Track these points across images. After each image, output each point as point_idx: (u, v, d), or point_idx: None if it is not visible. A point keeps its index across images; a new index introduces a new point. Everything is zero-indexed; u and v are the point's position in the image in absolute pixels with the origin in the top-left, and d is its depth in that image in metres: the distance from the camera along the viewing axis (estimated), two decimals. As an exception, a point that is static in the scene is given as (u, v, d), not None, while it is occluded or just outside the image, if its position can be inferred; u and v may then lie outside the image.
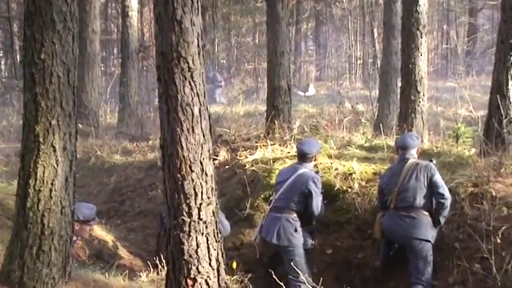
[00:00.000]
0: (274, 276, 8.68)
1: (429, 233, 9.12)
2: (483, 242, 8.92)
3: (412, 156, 9.63)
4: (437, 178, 9.24)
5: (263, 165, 12.15)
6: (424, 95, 14.15)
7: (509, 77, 11.26)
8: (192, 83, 6.44)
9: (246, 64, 40.53)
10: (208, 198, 6.61)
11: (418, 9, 13.95)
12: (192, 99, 6.47)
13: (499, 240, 9.01)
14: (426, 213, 9.17)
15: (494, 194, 9.72)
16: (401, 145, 9.81)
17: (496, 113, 11.24)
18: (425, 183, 9.18)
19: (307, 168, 9.83)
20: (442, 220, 9.23)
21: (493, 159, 10.64)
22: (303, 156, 9.95)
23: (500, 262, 8.77)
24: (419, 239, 9.03)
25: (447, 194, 9.17)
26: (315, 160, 10.16)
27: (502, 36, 11.45)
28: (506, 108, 11.16)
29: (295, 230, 9.55)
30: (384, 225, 9.44)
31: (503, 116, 11.04)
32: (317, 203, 9.63)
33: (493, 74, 11.69)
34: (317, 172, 10.04)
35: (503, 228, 9.14)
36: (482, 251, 8.91)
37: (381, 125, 15.08)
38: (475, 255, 9.19)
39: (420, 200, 9.13)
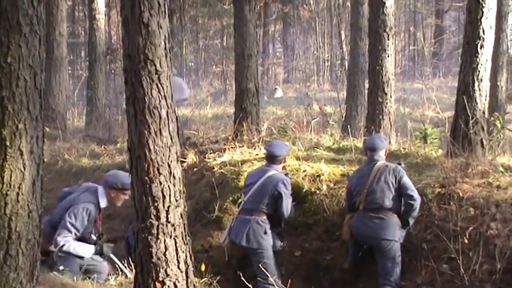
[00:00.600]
0: (243, 278, 8.69)
1: (397, 233, 9.18)
2: (451, 243, 9.01)
3: (381, 157, 9.69)
4: (406, 180, 9.32)
5: (231, 168, 12.14)
6: (391, 97, 14.20)
7: (475, 78, 11.34)
8: (159, 85, 6.42)
9: (214, 66, 40.51)
10: (176, 200, 6.59)
11: (384, 11, 14.00)
12: (160, 101, 6.45)
13: (466, 241, 9.11)
14: (395, 214, 9.23)
15: (461, 194, 9.81)
16: (369, 146, 9.87)
17: (462, 114, 11.32)
18: (394, 185, 9.25)
19: (276, 171, 9.84)
20: (411, 221, 9.30)
21: (460, 160, 10.73)
22: (272, 158, 9.97)
23: (467, 262, 8.86)
24: (388, 240, 9.08)
25: (416, 196, 9.24)
26: (284, 162, 10.17)
27: (468, 37, 11.55)
28: (472, 109, 11.24)
29: (265, 232, 9.56)
30: (352, 226, 9.47)
31: (470, 117, 11.11)
32: (287, 205, 9.65)
33: (459, 75, 11.78)
34: (286, 174, 10.04)
35: (471, 228, 9.23)
36: (449, 251, 9.02)
37: (348, 126, 15.13)
38: (443, 256, 9.28)
39: (389, 202, 9.19)
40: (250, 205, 9.70)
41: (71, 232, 8.86)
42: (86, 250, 9.12)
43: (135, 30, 6.40)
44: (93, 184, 9.66)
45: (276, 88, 33.20)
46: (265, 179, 9.72)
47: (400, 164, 9.67)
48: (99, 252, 9.32)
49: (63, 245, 8.85)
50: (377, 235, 9.09)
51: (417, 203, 9.23)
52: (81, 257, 9.06)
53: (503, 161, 11.17)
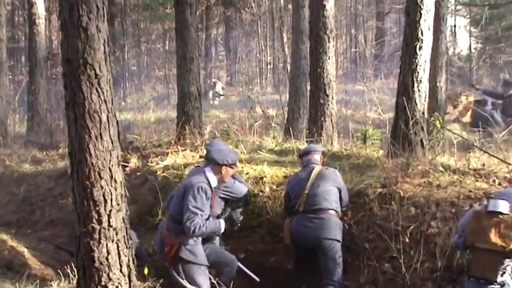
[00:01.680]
0: (185, 281, 8.68)
1: (339, 233, 9.27)
2: (392, 242, 9.12)
3: (317, 161, 9.78)
4: (343, 185, 9.52)
5: (174, 171, 12.14)
6: (333, 98, 14.31)
7: (414, 79, 11.47)
8: (99, 89, 6.41)
9: (156, 70, 40.27)
10: (118, 204, 6.59)
11: (325, 13, 14.10)
12: (100, 106, 6.44)
13: (407, 240, 9.24)
14: (335, 214, 9.32)
15: (402, 194, 9.94)
16: (306, 150, 9.99)
17: (402, 114, 11.44)
18: (333, 188, 9.33)
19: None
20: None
21: (400, 160, 10.85)
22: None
23: (409, 261, 8.99)
24: (329, 239, 9.15)
25: (347, 199, 9.61)
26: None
27: (407, 39, 11.69)
28: (412, 110, 11.36)
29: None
30: (292, 230, 9.51)
31: (410, 118, 11.22)
32: (240, 192, 9.73)
33: (399, 76, 11.90)
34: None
35: (412, 227, 9.36)
36: (391, 250, 9.13)
37: (290, 128, 15.21)
38: (385, 255, 9.40)
39: (328, 203, 9.28)
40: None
41: (196, 214, 8.72)
42: (217, 224, 9.08)
43: (74, 34, 6.38)
44: (198, 167, 9.62)
45: (214, 82, 33.00)
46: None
47: (336, 168, 9.81)
48: (231, 221, 9.43)
49: (194, 230, 8.73)
50: (318, 235, 9.15)
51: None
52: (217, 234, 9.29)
53: (443, 160, 11.30)
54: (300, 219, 9.41)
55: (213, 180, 9.15)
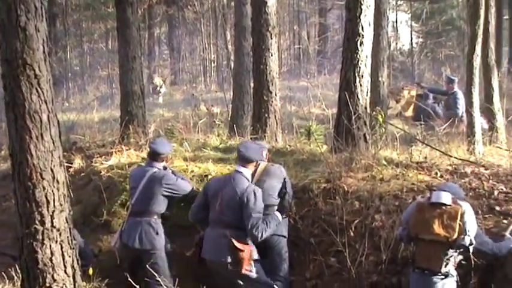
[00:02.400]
0: (133, 281, 8.64)
1: (284, 229, 9.31)
2: (337, 236, 9.20)
3: (263, 158, 9.81)
4: (287, 179, 9.53)
5: (119, 171, 12.07)
6: (276, 95, 14.33)
7: (356, 74, 11.57)
8: (39, 90, 6.36)
9: (100, 70, 40.01)
10: (61, 205, 6.55)
11: (266, 10, 14.12)
12: (40, 106, 6.39)
13: (352, 234, 9.35)
14: (278, 210, 9.33)
15: (346, 188, 10.05)
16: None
17: (345, 109, 11.51)
18: (278, 184, 9.35)
19: (157, 168, 9.81)
20: (287, 202, 9.48)
21: (344, 155, 10.95)
22: (154, 155, 9.93)
23: (354, 254, 9.08)
24: (275, 235, 9.16)
25: (291, 194, 9.57)
26: (166, 161, 10.12)
27: (348, 34, 11.79)
28: (354, 105, 11.44)
29: (157, 233, 9.53)
30: None
31: (352, 113, 11.30)
32: (182, 189, 9.75)
33: (341, 72, 11.99)
34: (165, 168, 9.99)
35: (356, 221, 9.47)
36: (336, 244, 9.21)
37: (235, 126, 15.22)
38: (330, 249, 9.49)
39: (274, 199, 9.28)
40: (139, 207, 9.65)
41: (259, 219, 8.73)
42: (276, 218, 9.01)
43: (12, 35, 6.32)
44: (231, 172, 9.49)
45: (152, 77, 32.75)
46: (148, 177, 9.69)
47: (281, 164, 9.85)
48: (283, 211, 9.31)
49: (261, 234, 8.71)
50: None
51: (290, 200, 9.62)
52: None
53: (386, 154, 11.42)
54: None
55: (250, 177, 9.19)
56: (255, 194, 8.79)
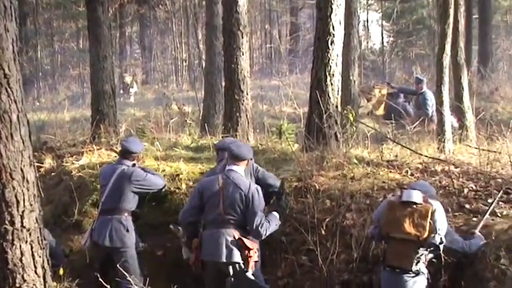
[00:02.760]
0: (104, 281, 8.60)
1: None
2: (309, 235, 9.22)
3: None
4: (263, 170, 9.50)
5: (90, 171, 12.02)
6: (247, 94, 14.36)
7: (327, 73, 11.60)
8: (8, 89, 6.32)
9: (71, 69, 39.84)
10: (31, 205, 6.51)
11: (237, 9, 14.13)
12: (10, 106, 6.35)
13: (323, 232, 9.36)
14: None
15: (317, 187, 10.08)
16: (220, 147, 9.99)
17: (316, 108, 11.55)
18: (254, 180, 9.35)
19: (127, 166, 9.78)
20: (287, 206, 9.45)
21: (315, 153, 10.98)
22: (126, 153, 9.90)
23: (325, 253, 9.12)
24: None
25: (278, 183, 9.44)
26: (137, 160, 10.08)
27: (319, 33, 11.82)
28: (325, 104, 11.47)
29: (127, 230, 9.47)
30: None
31: (323, 112, 11.33)
32: (153, 184, 9.71)
33: (312, 71, 12.03)
34: (134, 165, 9.95)
35: (327, 219, 9.50)
36: (308, 243, 9.24)
37: (206, 125, 15.22)
38: (302, 248, 9.50)
39: None
40: (109, 205, 9.60)
41: (263, 217, 8.61)
42: (276, 217, 8.87)
43: (-19, 34, 6.28)
44: (224, 170, 9.20)
45: (123, 75, 32.58)
46: (118, 175, 9.65)
47: (251, 159, 9.84)
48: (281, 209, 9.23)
49: (265, 232, 8.59)
50: None
51: (278, 183, 9.44)
52: None
53: (357, 153, 11.50)
54: None
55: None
56: (258, 192, 8.67)
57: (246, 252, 8.54)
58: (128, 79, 31.11)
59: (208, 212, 8.74)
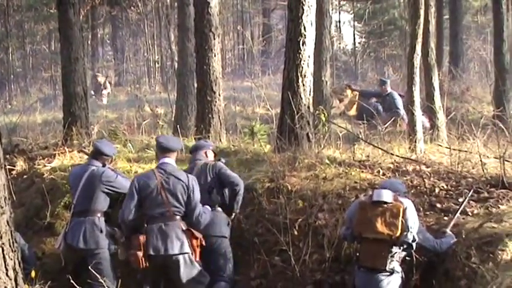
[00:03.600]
0: (76, 283, 8.57)
1: (225, 229, 9.31)
2: (281, 235, 9.27)
3: (203, 157, 9.82)
4: (225, 170, 9.55)
5: (62, 173, 11.97)
6: (220, 95, 14.39)
7: (299, 74, 11.65)
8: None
9: (43, 72, 39.61)
10: (2, 207, 6.46)
11: (209, 11, 14.16)
12: (-20, 108, 6.33)
13: (296, 232, 9.42)
14: (220, 210, 9.36)
15: (289, 188, 10.12)
16: (192, 148, 10.07)
17: (288, 109, 11.59)
18: (215, 181, 9.39)
19: (96, 166, 9.75)
20: (237, 206, 9.55)
21: (287, 154, 11.01)
22: (97, 154, 9.88)
23: (298, 253, 9.17)
24: (216, 236, 9.18)
25: (238, 180, 9.50)
26: (109, 163, 10.06)
27: (291, 34, 11.86)
28: (297, 105, 11.52)
29: (101, 231, 9.46)
30: None
31: (296, 112, 11.38)
32: (123, 186, 9.63)
33: (284, 72, 12.08)
34: (104, 165, 9.91)
35: (300, 220, 9.56)
36: (280, 243, 9.28)
37: (179, 126, 15.20)
38: (274, 248, 9.54)
39: (215, 197, 9.32)
40: (81, 206, 9.58)
41: (200, 206, 8.93)
42: (209, 211, 9.19)
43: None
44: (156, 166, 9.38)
45: (96, 75, 32.30)
46: (87, 177, 9.62)
47: (220, 159, 9.86)
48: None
49: (204, 223, 8.93)
50: (204, 232, 9.13)
51: (241, 187, 9.49)
52: None
53: (329, 153, 11.53)
54: None
55: None
56: (195, 182, 8.93)
57: (194, 241, 8.79)
58: (101, 79, 30.88)
59: (150, 207, 8.89)
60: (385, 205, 7.79)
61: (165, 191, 8.80)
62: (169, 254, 8.69)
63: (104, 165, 9.88)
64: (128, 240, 9.08)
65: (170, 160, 9.10)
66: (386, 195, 7.85)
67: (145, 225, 8.87)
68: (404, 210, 7.74)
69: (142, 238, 8.80)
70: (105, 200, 9.63)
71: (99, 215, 9.55)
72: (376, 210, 7.81)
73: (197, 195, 8.83)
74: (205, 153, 9.96)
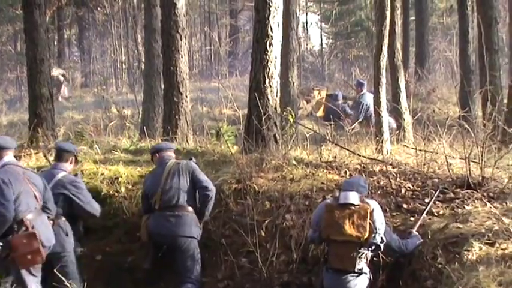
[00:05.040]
0: (42, 286, 8.51)
1: (194, 230, 9.29)
2: (248, 236, 9.27)
3: (171, 157, 9.77)
4: (199, 173, 9.49)
5: (28, 175, 11.86)
6: (187, 97, 14.36)
7: (266, 75, 11.65)
8: None
9: (8, 73, 39.33)
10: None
11: (176, 12, 14.11)
12: None
13: (263, 234, 9.43)
14: (191, 210, 9.33)
15: (257, 189, 10.14)
16: (157, 148, 9.98)
17: (255, 110, 11.59)
18: (188, 181, 9.37)
19: (64, 171, 9.63)
20: (208, 212, 9.49)
21: (254, 155, 11.03)
22: (61, 152, 9.79)
23: (265, 254, 9.15)
24: (185, 237, 9.16)
25: (211, 186, 9.44)
26: (73, 163, 9.92)
27: (257, 35, 11.86)
28: (264, 106, 11.53)
29: (67, 234, 9.34)
30: (149, 227, 9.46)
31: (262, 113, 11.39)
32: (88, 201, 9.51)
33: (251, 73, 12.08)
34: (75, 175, 9.84)
35: (267, 221, 9.57)
36: (248, 245, 9.29)
37: (146, 128, 15.15)
38: (241, 250, 9.54)
39: (184, 199, 9.28)
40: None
41: None
42: None
43: None
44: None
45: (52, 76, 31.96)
46: (53, 184, 9.50)
47: (191, 159, 9.81)
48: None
49: None
50: (174, 233, 9.13)
51: (212, 193, 9.45)
52: None
53: (296, 154, 11.55)
54: (157, 217, 9.38)
55: None
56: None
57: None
58: (57, 72, 30.31)
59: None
60: (352, 207, 7.80)
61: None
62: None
63: (76, 175, 9.80)
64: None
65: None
66: (353, 198, 7.87)
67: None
68: (372, 211, 7.77)
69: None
70: (71, 205, 9.52)
71: (63, 218, 9.45)
72: (343, 213, 7.81)
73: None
74: (171, 152, 9.93)
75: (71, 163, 9.75)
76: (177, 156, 10.21)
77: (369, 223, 7.70)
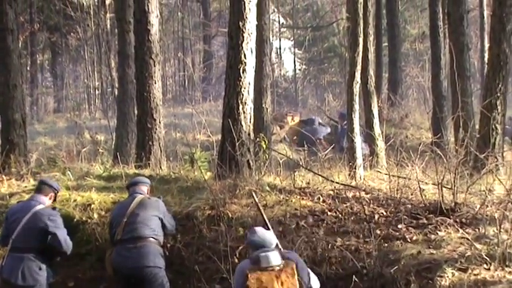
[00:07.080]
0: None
1: (159, 260, 9.14)
2: (222, 263, 9.24)
3: (142, 191, 9.70)
4: (168, 213, 9.58)
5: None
6: (160, 122, 14.38)
7: (239, 101, 11.69)
8: None
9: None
10: None
11: (150, 38, 14.16)
12: None
13: (236, 260, 9.40)
14: (153, 241, 9.17)
15: (230, 215, 10.15)
16: (132, 182, 9.94)
17: (229, 136, 11.61)
18: (152, 216, 9.25)
19: (43, 205, 9.53)
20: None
21: (228, 181, 11.02)
22: (42, 185, 9.70)
23: (238, 281, 9.08)
24: (150, 267, 9.03)
25: (174, 228, 9.61)
26: (52, 198, 9.83)
27: (231, 62, 11.90)
28: (238, 132, 11.55)
29: (40, 268, 9.25)
30: (113, 260, 9.29)
31: (236, 139, 11.40)
32: (64, 238, 9.40)
33: (224, 99, 12.12)
34: (54, 208, 9.74)
35: (240, 247, 9.55)
36: (221, 271, 9.25)
37: (119, 154, 15.10)
38: (215, 276, 9.53)
39: (146, 232, 9.14)
40: (22, 243, 9.32)
41: None
42: None
43: None
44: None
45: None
46: (31, 215, 9.38)
47: (159, 197, 9.78)
48: None
49: None
50: (138, 264, 8.95)
51: (174, 232, 9.70)
52: None
53: (270, 180, 11.57)
54: (119, 249, 9.20)
55: None
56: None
57: None
58: None
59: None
60: (277, 267, 7.29)
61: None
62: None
63: (54, 208, 9.71)
64: None
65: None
66: (275, 259, 7.28)
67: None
68: (297, 266, 7.43)
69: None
70: (46, 239, 9.40)
71: (37, 252, 9.35)
72: (269, 276, 7.26)
73: None
74: (145, 188, 9.86)
75: (50, 198, 9.64)
76: (151, 186, 10.16)
77: (298, 280, 7.37)
